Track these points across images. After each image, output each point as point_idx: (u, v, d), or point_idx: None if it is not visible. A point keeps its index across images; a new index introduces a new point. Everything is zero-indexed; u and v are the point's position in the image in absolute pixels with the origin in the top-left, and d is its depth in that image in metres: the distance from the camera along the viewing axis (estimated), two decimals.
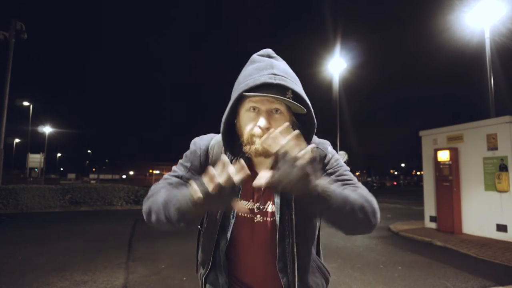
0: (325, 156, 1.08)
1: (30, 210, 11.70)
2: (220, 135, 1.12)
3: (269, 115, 0.93)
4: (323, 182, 0.81)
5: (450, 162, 7.80)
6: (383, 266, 5.05)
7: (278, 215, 1.02)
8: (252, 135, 0.94)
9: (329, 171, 1.05)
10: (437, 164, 8.14)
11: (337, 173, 1.04)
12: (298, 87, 0.93)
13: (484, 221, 7.16)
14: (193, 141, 1.13)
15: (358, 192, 0.93)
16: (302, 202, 0.81)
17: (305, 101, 0.94)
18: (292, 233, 1.01)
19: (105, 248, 5.99)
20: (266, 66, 0.94)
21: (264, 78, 0.89)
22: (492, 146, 7.09)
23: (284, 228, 1.02)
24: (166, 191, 0.94)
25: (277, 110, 0.94)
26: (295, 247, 1.01)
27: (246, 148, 0.97)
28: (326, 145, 1.11)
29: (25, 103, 31.48)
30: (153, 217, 0.93)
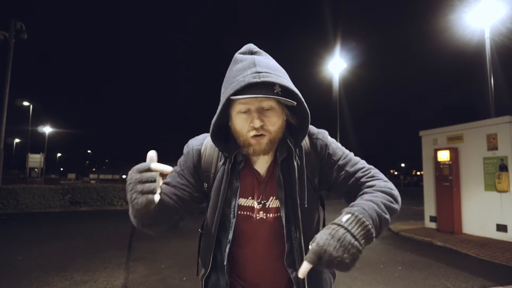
0: (326, 145, 1.07)
1: (30, 210, 11.71)
2: None
3: (261, 113, 0.93)
4: (362, 233, 0.79)
5: (450, 162, 7.79)
6: (383, 266, 5.05)
7: (284, 210, 1.00)
8: (249, 138, 0.94)
9: (339, 162, 1.05)
10: (437, 164, 8.14)
11: (349, 164, 1.04)
12: (285, 80, 0.91)
13: (484, 221, 7.15)
14: (186, 144, 1.12)
15: (378, 190, 0.94)
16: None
17: (294, 92, 0.92)
18: (299, 228, 1.00)
19: (105, 248, 5.98)
20: (249, 65, 0.91)
21: (248, 78, 0.87)
22: (492, 146, 7.09)
23: (290, 224, 1.01)
24: None
25: (268, 106, 0.93)
26: (302, 242, 1.00)
27: (245, 150, 0.97)
28: (326, 135, 1.11)
29: (25, 103, 31.45)
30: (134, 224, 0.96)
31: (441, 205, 8.00)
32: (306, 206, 1.01)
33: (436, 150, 8.21)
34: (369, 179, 1.00)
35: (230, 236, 1.01)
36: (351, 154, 1.08)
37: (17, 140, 52.90)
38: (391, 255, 5.79)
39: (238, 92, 0.88)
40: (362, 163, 1.06)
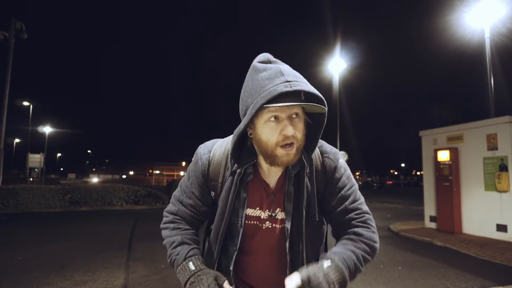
0: (336, 167, 1.07)
1: (30, 210, 11.70)
2: (222, 140, 1.13)
3: (291, 121, 0.93)
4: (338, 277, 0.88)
5: (450, 162, 7.79)
6: (383, 266, 5.05)
7: (289, 222, 1.02)
8: (278, 147, 0.93)
9: (343, 192, 1.06)
10: (437, 164, 8.14)
11: (350, 199, 1.05)
12: (312, 88, 0.93)
13: (484, 221, 7.15)
14: (196, 151, 1.12)
15: (363, 241, 1.00)
16: None
17: (321, 99, 0.93)
18: (302, 241, 1.01)
19: (105, 248, 5.99)
20: (276, 74, 0.92)
21: (280, 88, 0.87)
22: (492, 146, 7.09)
23: (294, 236, 1.02)
24: (170, 240, 1.07)
25: (296, 114, 0.94)
26: (304, 254, 1.02)
27: (268, 160, 0.96)
28: (338, 156, 1.09)
29: (25, 103, 31.42)
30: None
31: (441, 205, 8.00)
32: (312, 219, 1.04)
33: (436, 150, 8.21)
34: (360, 224, 1.03)
35: (238, 244, 1.04)
36: (356, 186, 1.09)
37: (17, 140, 52.90)
38: (391, 255, 5.79)
39: (270, 100, 0.87)
40: (361, 202, 1.08)
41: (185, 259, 0.97)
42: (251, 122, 0.97)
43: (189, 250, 1.00)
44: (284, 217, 1.03)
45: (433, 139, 8.59)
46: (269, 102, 0.87)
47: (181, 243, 1.03)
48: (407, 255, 5.77)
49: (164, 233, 1.09)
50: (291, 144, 0.93)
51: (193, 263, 0.95)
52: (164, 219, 1.13)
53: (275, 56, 1.04)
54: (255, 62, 0.99)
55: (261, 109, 0.90)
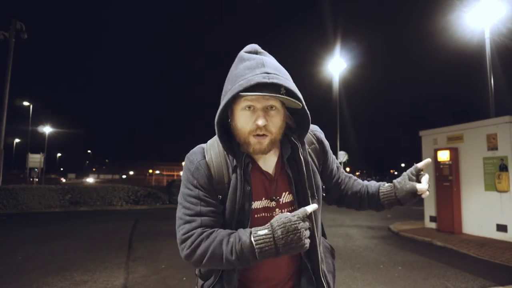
0: (324, 142, 1.19)
1: (30, 210, 11.70)
2: (209, 142, 1.09)
3: (265, 112, 0.94)
4: None
5: (450, 162, 7.79)
6: (383, 266, 5.05)
7: (297, 203, 1.04)
8: (250, 136, 0.95)
9: (335, 164, 1.24)
10: (437, 164, 8.14)
11: (336, 166, 1.25)
12: (291, 84, 0.94)
13: (484, 221, 7.15)
14: (188, 160, 1.05)
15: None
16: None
17: (297, 96, 0.94)
18: (311, 217, 1.02)
19: (105, 248, 5.99)
20: (258, 64, 0.93)
21: (258, 78, 0.89)
22: (492, 146, 7.09)
23: None
24: (216, 244, 0.92)
25: (272, 107, 0.95)
26: (315, 231, 1.03)
27: (243, 148, 0.98)
28: (320, 130, 1.22)
29: (25, 103, 31.43)
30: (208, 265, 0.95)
31: (441, 205, 8.00)
32: (315, 195, 1.06)
33: (436, 150, 8.21)
34: (355, 179, 1.30)
35: None
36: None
37: (17, 140, 52.89)
38: (391, 255, 5.78)
39: (247, 89, 0.89)
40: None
41: (250, 233, 0.88)
42: (231, 110, 0.99)
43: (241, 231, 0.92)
44: (292, 199, 1.05)
45: (433, 139, 8.58)
46: (245, 91, 0.89)
47: (230, 234, 0.92)
48: (407, 255, 5.77)
49: (201, 249, 0.92)
50: (263, 135, 0.95)
51: (261, 229, 0.88)
52: (188, 242, 0.94)
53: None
54: (242, 52, 1.01)
55: (238, 97, 0.92)
